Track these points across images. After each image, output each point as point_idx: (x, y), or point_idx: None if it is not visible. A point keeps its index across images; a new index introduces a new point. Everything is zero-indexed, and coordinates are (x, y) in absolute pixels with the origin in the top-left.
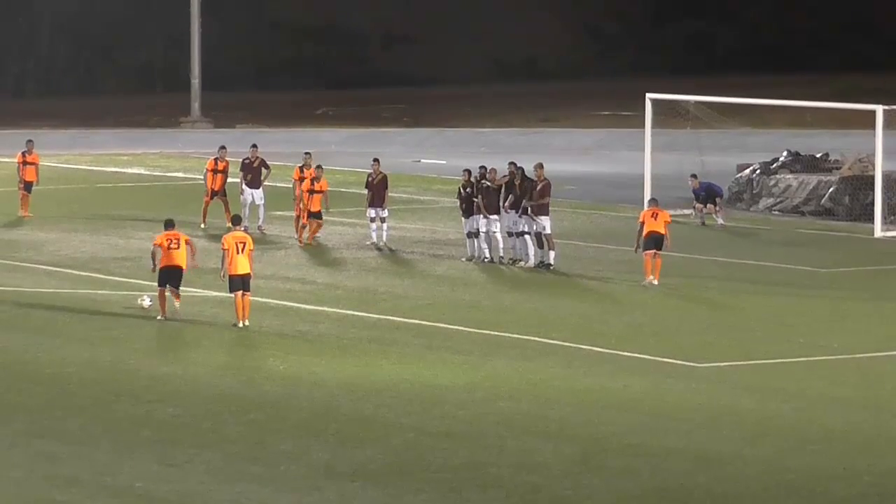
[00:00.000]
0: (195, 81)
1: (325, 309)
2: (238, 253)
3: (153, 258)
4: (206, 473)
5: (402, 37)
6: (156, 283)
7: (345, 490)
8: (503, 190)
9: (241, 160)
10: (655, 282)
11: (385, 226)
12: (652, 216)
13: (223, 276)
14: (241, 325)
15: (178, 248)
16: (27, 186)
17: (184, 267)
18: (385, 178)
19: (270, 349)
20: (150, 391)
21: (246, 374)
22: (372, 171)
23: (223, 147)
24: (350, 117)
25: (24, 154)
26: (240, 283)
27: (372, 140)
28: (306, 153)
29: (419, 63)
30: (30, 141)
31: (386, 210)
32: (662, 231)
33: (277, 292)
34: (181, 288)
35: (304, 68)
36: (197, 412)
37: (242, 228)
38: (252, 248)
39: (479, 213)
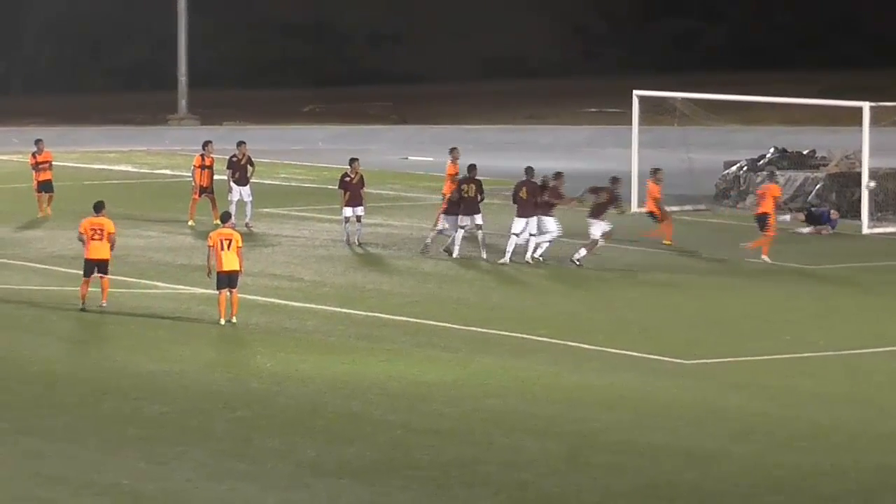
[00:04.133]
0: (182, 79)
1: (312, 306)
2: (224, 250)
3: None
4: (192, 471)
5: (389, 34)
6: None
7: (332, 487)
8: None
9: (228, 157)
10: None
11: (360, 224)
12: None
13: (209, 274)
14: (222, 321)
15: (102, 240)
16: (41, 187)
17: (106, 258)
18: (362, 177)
19: (257, 346)
20: (137, 389)
21: (233, 371)
22: (350, 170)
23: (209, 142)
24: (337, 115)
25: (34, 155)
26: (226, 280)
27: (359, 137)
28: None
29: (406, 61)
30: (39, 140)
31: (362, 209)
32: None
33: (264, 289)
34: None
35: (292, 66)
36: (184, 410)
37: (231, 225)
38: (240, 244)
39: (467, 213)
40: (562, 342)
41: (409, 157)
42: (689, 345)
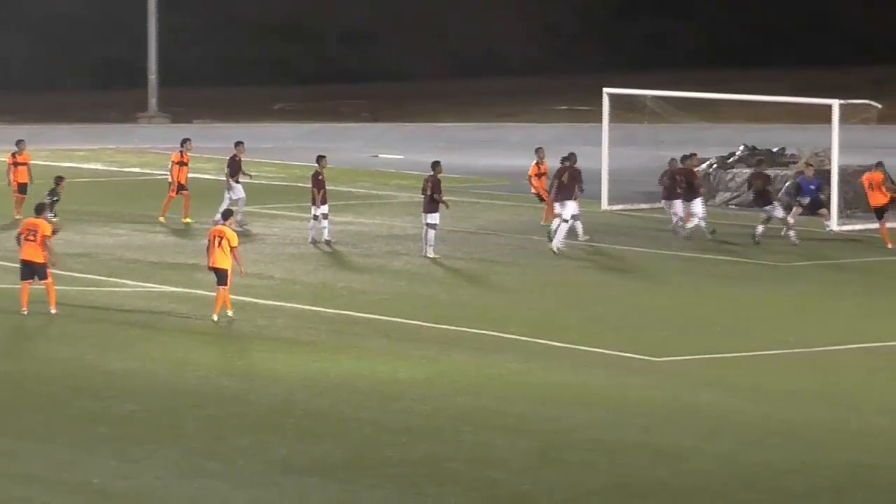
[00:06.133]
0: (152, 77)
1: (283, 304)
2: (215, 247)
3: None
4: (163, 469)
5: (362, 33)
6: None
7: (303, 485)
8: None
9: (229, 157)
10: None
11: (328, 222)
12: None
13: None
14: (214, 318)
15: (35, 241)
16: (21, 188)
17: (38, 261)
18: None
19: (228, 345)
20: (108, 387)
21: (203, 369)
22: (320, 168)
23: (188, 139)
24: (309, 113)
25: (14, 155)
26: (214, 276)
27: (331, 135)
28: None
29: (378, 59)
30: (20, 140)
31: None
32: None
33: (235, 287)
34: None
35: (264, 64)
36: (154, 408)
37: (231, 224)
38: (234, 244)
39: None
40: (533, 340)
41: (380, 155)
42: (661, 342)
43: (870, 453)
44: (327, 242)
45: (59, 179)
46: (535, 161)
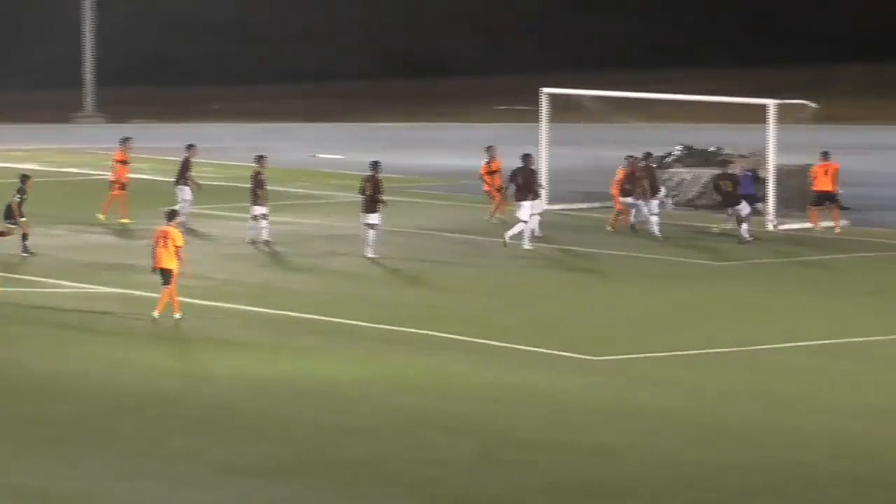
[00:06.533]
0: (88, 76)
1: (222, 305)
2: (160, 247)
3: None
4: (102, 471)
5: (299, 32)
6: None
7: (243, 487)
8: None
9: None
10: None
11: (266, 222)
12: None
13: (153, 269)
14: (155, 315)
15: None
16: None
17: None
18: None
19: (167, 346)
20: (45, 389)
21: (142, 370)
22: (261, 167)
23: (129, 138)
24: (246, 112)
25: None
26: (160, 276)
27: (268, 135)
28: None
29: (315, 58)
30: None
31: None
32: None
33: None
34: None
35: (201, 64)
36: (92, 410)
37: (175, 224)
38: (178, 244)
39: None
40: (473, 339)
41: (318, 155)
42: (599, 341)
43: (807, 452)
44: (266, 243)
45: (24, 178)
46: (485, 160)
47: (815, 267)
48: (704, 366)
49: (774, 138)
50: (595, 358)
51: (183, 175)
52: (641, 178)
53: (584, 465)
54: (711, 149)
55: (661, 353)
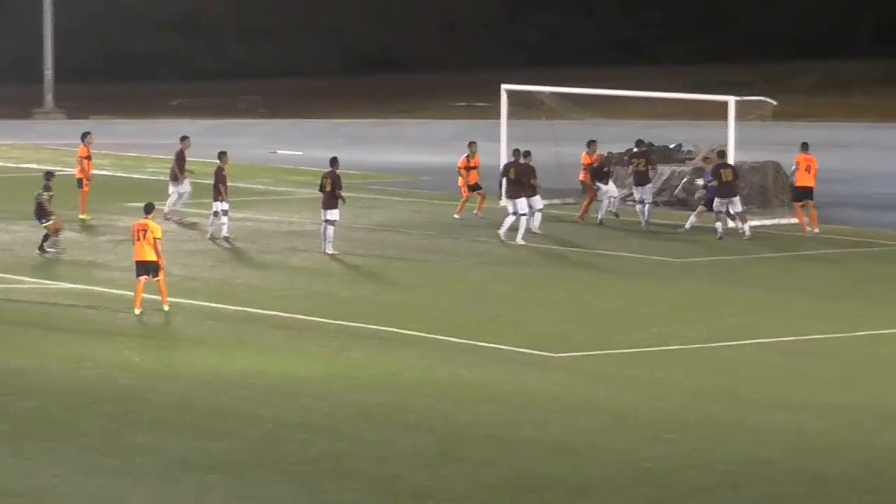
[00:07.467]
0: (48, 73)
1: (182, 301)
2: (139, 240)
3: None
4: (61, 467)
5: (257, 29)
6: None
7: (202, 483)
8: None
9: (175, 152)
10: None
11: (227, 218)
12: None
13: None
14: (137, 311)
15: None
16: None
17: None
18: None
19: (125, 342)
20: (4, 385)
21: (101, 366)
22: (222, 164)
23: (89, 133)
24: (206, 108)
25: None
26: (143, 269)
27: (228, 131)
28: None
29: (275, 54)
30: None
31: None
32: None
33: (133, 284)
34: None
35: (161, 60)
36: (51, 406)
37: (153, 217)
38: (158, 236)
39: (326, 207)
40: (432, 336)
41: (278, 151)
42: (558, 338)
43: (765, 448)
44: (226, 239)
45: (49, 174)
46: (465, 154)
47: (775, 264)
48: (663, 362)
49: (735, 135)
50: (554, 355)
51: (181, 168)
52: (638, 163)
53: (542, 462)
54: (671, 145)
55: (620, 350)
